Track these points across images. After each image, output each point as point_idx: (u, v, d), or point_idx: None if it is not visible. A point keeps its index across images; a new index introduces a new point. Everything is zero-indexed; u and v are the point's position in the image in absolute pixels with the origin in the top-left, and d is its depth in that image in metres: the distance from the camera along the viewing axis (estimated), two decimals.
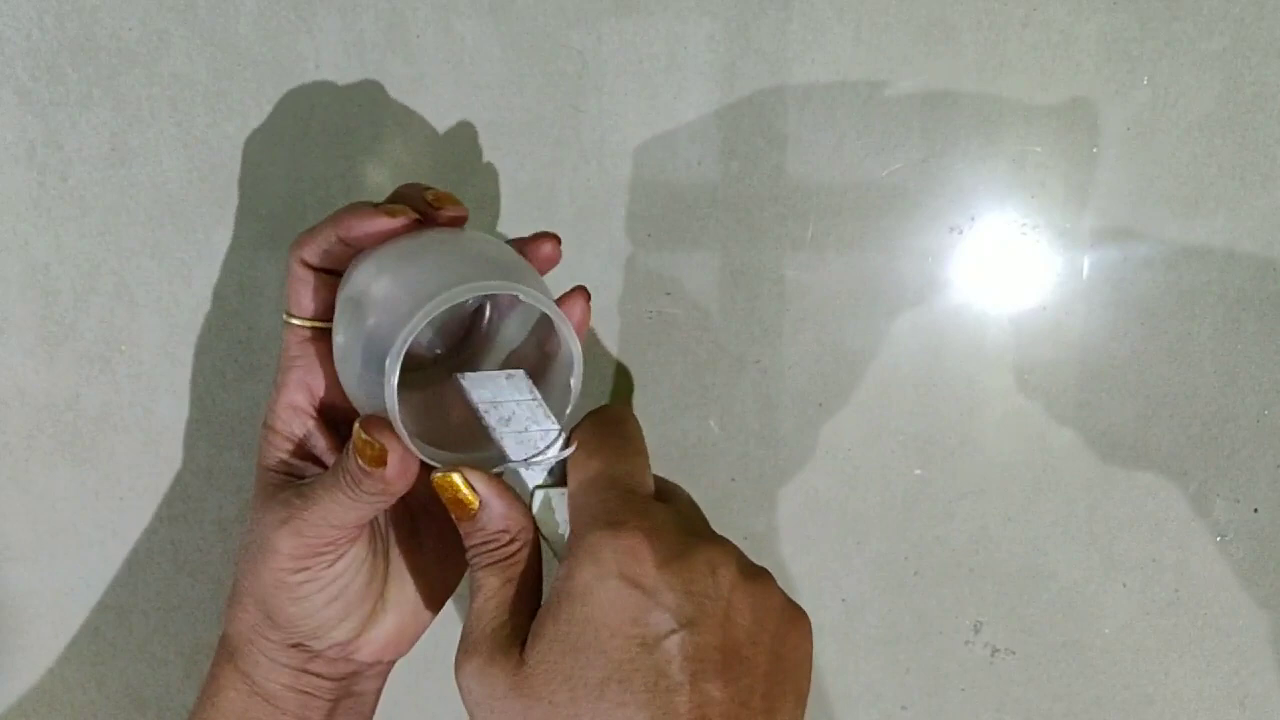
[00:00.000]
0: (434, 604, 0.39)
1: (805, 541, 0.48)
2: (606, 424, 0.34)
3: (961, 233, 0.45)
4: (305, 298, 0.36)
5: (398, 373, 0.31)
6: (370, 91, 0.44)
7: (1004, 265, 0.45)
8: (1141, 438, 0.47)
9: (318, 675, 0.37)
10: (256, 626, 0.37)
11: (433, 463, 0.33)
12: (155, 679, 0.50)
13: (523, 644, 0.30)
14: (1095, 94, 0.44)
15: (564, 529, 0.33)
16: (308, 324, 0.36)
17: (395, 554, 0.38)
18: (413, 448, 0.32)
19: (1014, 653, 0.49)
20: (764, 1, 0.43)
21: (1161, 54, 0.43)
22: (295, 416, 0.37)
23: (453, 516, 0.33)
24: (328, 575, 0.35)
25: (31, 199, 0.45)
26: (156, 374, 0.47)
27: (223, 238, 0.46)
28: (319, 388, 0.37)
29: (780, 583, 0.49)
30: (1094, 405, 0.46)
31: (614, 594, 0.28)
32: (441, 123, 0.44)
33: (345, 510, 0.34)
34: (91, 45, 0.44)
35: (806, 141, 0.44)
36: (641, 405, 0.47)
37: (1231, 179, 0.44)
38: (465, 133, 0.45)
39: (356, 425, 0.33)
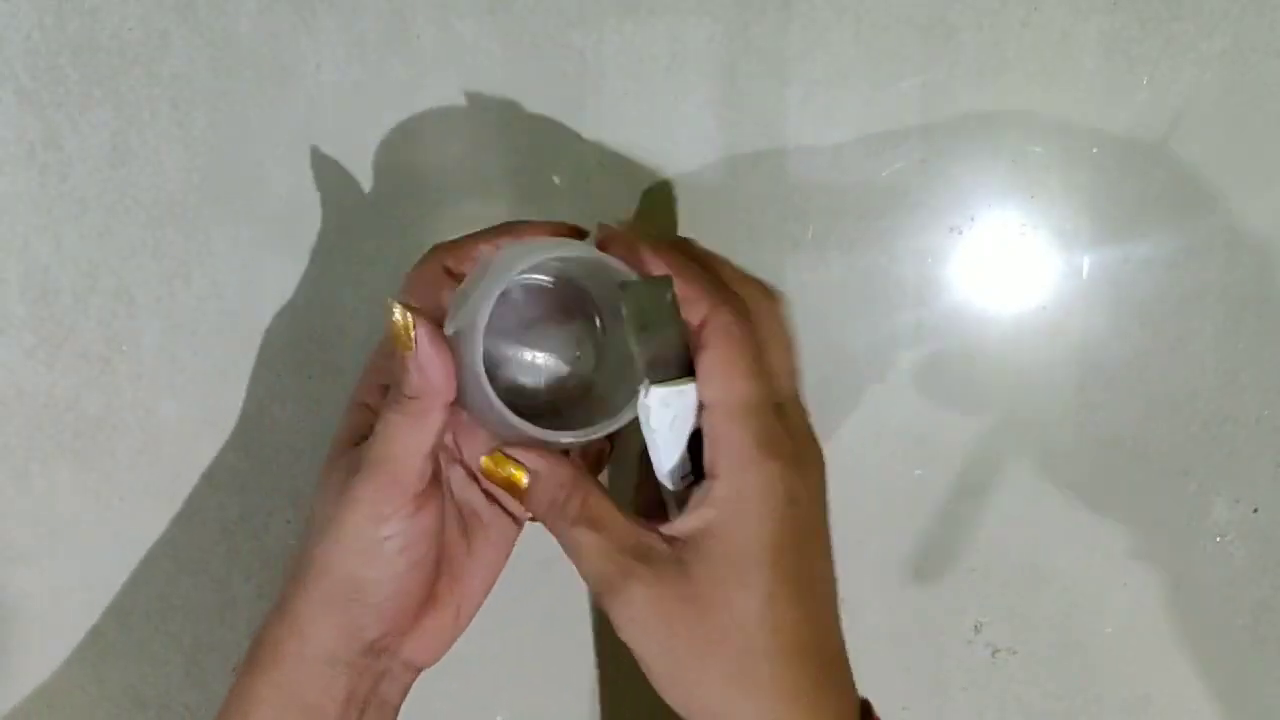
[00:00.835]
0: (470, 610, 0.40)
1: None
2: (740, 336, 0.33)
3: (961, 233, 0.45)
4: (432, 293, 0.37)
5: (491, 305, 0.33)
6: (371, 91, 0.44)
7: (1004, 265, 0.45)
8: (1141, 438, 0.47)
9: (360, 671, 0.37)
10: (316, 615, 0.35)
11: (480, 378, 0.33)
12: (156, 679, 0.50)
13: (667, 559, 0.32)
14: (1095, 94, 0.44)
15: (680, 423, 0.34)
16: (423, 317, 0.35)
17: (450, 551, 0.39)
18: (435, 338, 0.33)
19: (1014, 652, 0.49)
20: (764, 1, 0.43)
21: (1161, 54, 0.43)
22: (382, 393, 0.37)
23: (513, 497, 0.36)
24: (412, 529, 0.35)
25: (31, 199, 0.45)
26: (157, 374, 0.47)
27: (223, 238, 0.46)
28: None
29: None
30: (1094, 405, 0.46)
31: (777, 525, 0.32)
32: (442, 123, 0.44)
33: (402, 435, 0.34)
34: (92, 45, 0.44)
35: (806, 141, 0.44)
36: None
37: (1231, 179, 0.44)
38: (466, 132, 0.45)
39: (388, 301, 0.34)
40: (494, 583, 0.41)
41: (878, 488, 0.47)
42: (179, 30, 0.44)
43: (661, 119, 0.44)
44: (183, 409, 0.47)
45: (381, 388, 0.37)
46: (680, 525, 0.33)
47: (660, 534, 0.33)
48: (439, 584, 0.38)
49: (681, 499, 0.34)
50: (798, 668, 0.32)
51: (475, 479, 0.39)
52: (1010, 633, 0.48)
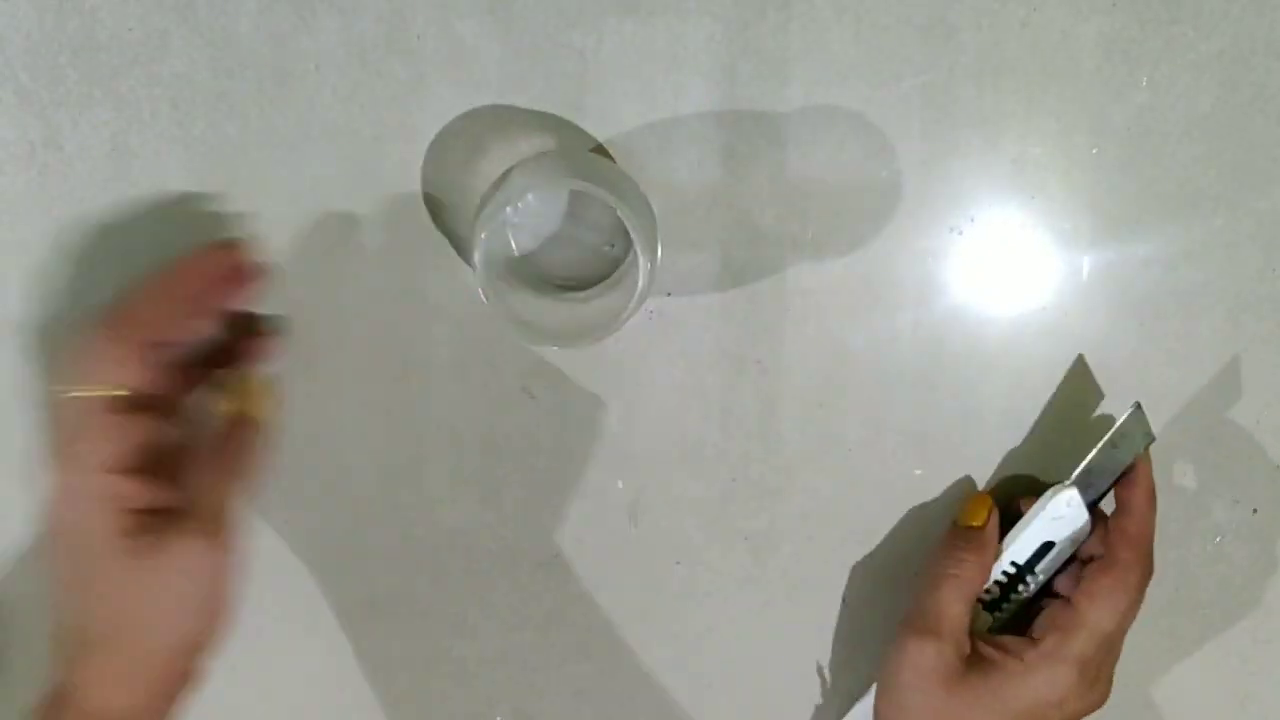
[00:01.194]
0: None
1: (805, 541, 0.48)
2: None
3: (961, 233, 0.45)
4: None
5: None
6: (371, 92, 0.44)
7: (1004, 266, 0.45)
8: None
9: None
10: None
11: None
12: None
13: (962, 651, 0.42)
14: (1095, 95, 0.44)
15: (1053, 529, 0.44)
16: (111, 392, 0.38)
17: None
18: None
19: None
20: (764, 1, 0.43)
21: (1161, 55, 0.44)
22: None
23: (958, 520, 0.45)
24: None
25: (32, 199, 0.45)
26: None
27: (223, 239, 0.46)
28: None
29: (780, 583, 0.49)
30: (1094, 405, 0.46)
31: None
32: (442, 123, 0.44)
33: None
34: (92, 45, 0.44)
35: (806, 141, 0.44)
36: (642, 405, 0.47)
37: (1231, 179, 0.44)
38: (465, 133, 0.45)
39: None
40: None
41: (878, 488, 0.47)
42: (179, 30, 0.44)
43: (661, 119, 0.44)
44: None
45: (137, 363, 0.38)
46: (996, 644, 0.43)
47: (982, 638, 0.44)
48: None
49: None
50: None
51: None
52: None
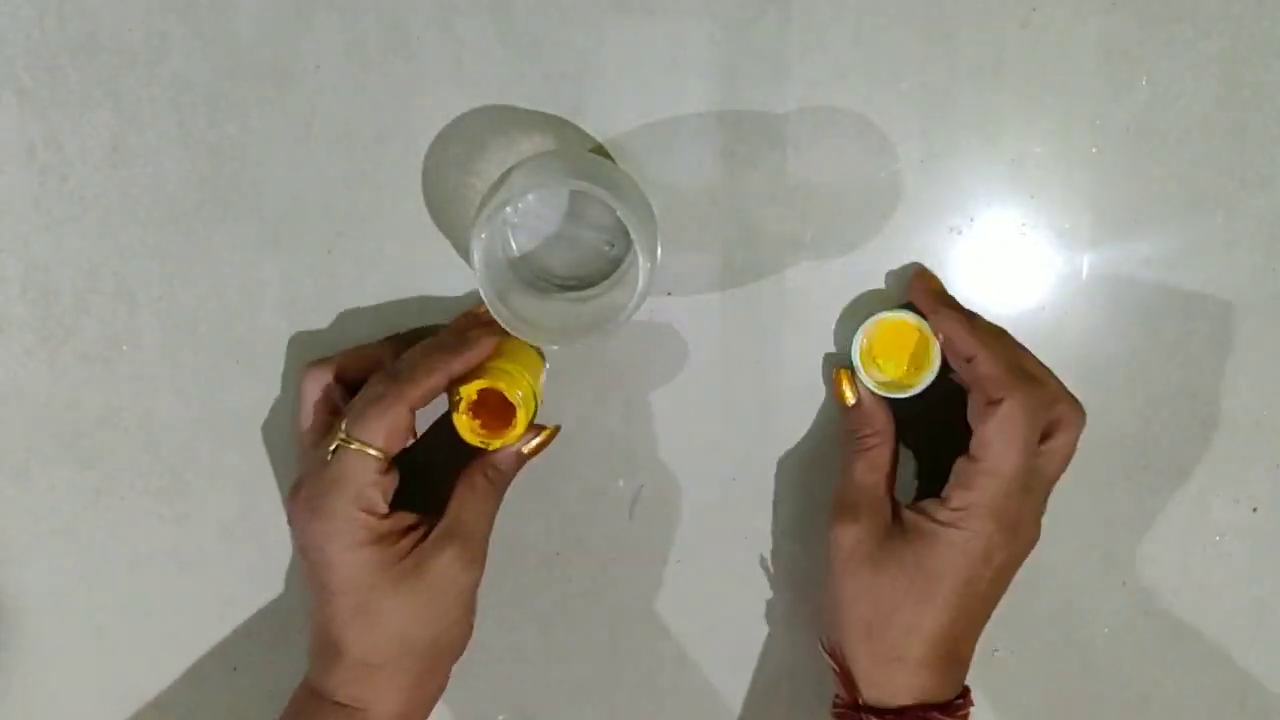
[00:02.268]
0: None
1: (805, 541, 0.48)
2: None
3: (961, 233, 0.45)
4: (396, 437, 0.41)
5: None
6: (371, 92, 0.44)
7: (1004, 266, 0.45)
8: (1141, 438, 0.47)
9: None
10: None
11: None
12: (156, 679, 0.50)
13: (883, 524, 0.42)
14: (1094, 95, 0.44)
15: None
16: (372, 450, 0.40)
17: None
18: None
19: (1014, 653, 0.49)
20: (764, 2, 0.43)
21: (1160, 55, 0.43)
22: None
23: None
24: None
25: (32, 199, 0.45)
26: (157, 374, 0.47)
27: (224, 238, 0.46)
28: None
29: (782, 582, 0.49)
30: (1094, 405, 0.46)
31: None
32: (442, 123, 0.44)
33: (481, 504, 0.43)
34: (92, 46, 0.44)
35: (806, 142, 0.44)
36: (642, 405, 0.47)
37: (1231, 179, 0.44)
38: (466, 133, 0.45)
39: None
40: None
41: None
42: (179, 31, 0.44)
43: (662, 119, 0.44)
44: (183, 409, 0.47)
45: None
46: (916, 509, 0.42)
47: (902, 504, 0.43)
48: None
49: None
50: (943, 651, 0.41)
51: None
52: (1010, 633, 0.48)
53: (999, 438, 0.39)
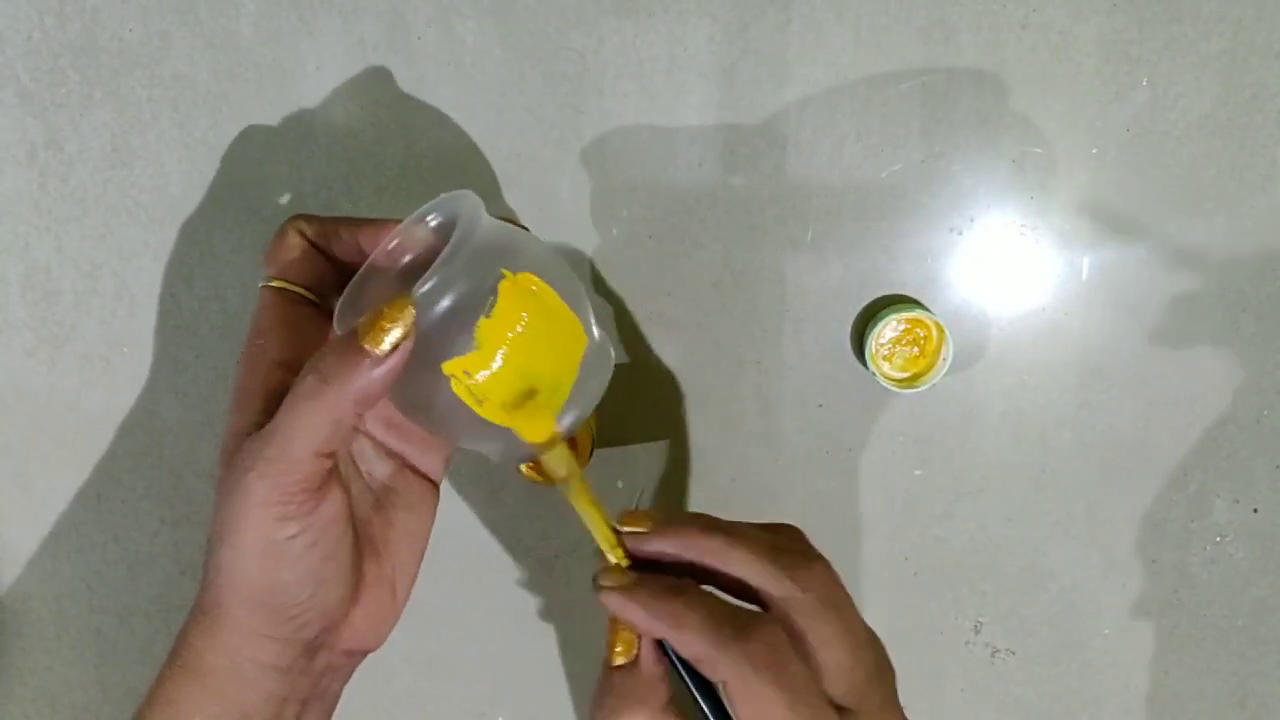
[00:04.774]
0: (406, 584, 0.38)
1: None
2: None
3: (961, 234, 0.45)
4: (301, 266, 0.36)
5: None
6: (371, 93, 0.44)
7: (1004, 266, 0.45)
8: (1141, 438, 0.47)
9: (298, 674, 0.35)
10: (243, 626, 0.33)
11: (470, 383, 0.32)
12: None
13: None
14: (1094, 95, 0.44)
15: None
16: (299, 289, 0.36)
17: (368, 530, 0.37)
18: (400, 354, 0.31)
19: (1014, 653, 0.49)
20: (764, 3, 0.43)
21: (1161, 55, 0.44)
22: (278, 372, 0.35)
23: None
24: (316, 523, 0.33)
25: (33, 200, 0.45)
26: (158, 375, 0.47)
27: (224, 239, 0.46)
28: (301, 347, 0.35)
29: None
30: (1094, 405, 0.46)
31: None
32: (443, 124, 0.45)
33: (315, 426, 0.31)
34: (92, 46, 0.44)
35: (806, 143, 0.44)
36: (642, 405, 0.47)
37: (1231, 179, 0.44)
38: (466, 134, 0.45)
39: (369, 314, 0.31)
40: (424, 549, 0.38)
41: (878, 488, 0.47)
42: (179, 32, 0.44)
43: (661, 120, 0.44)
44: (183, 409, 0.47)
45: (280, 367, 0.35)
46: None
47: None
48: (365, 565, 0.36)
49: None
50: None
51: (384, 451, 0.37)
52: (1009, 633, 0.48)
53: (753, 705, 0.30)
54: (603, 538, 0.34)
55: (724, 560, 0.33)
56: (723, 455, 0.48)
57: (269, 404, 0.34)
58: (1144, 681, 0.49)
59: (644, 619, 0.32)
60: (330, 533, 0.33)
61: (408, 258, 0.35)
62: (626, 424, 0.47)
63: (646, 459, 0.48)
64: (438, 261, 0.31)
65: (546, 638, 0.50)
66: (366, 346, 0.31)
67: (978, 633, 0.48)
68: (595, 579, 0.34)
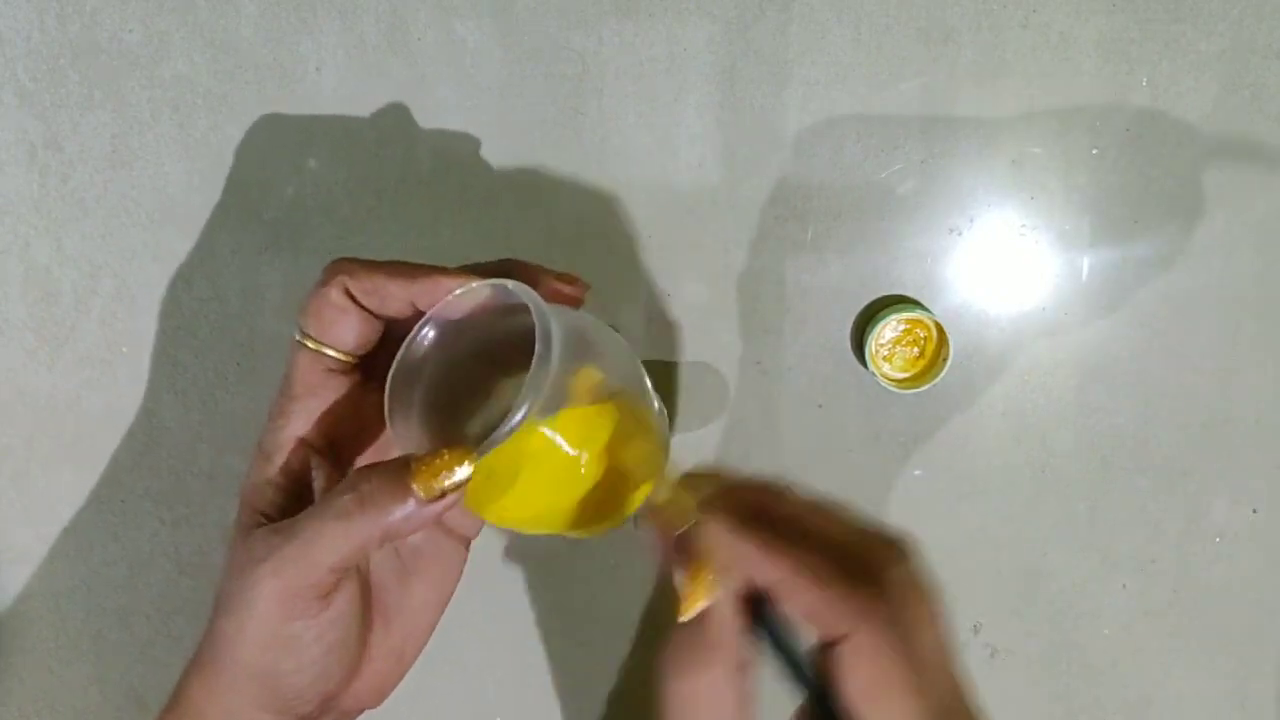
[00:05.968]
0: (413, 651, 0.36)
1: None
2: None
3: (961, 234, 0.45)
4: (344, 329, 0.33)
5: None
6: (372, 94, 0.44)
7: (1003, 266, 0.45)
8: (1141, 438, 0.47)
9: None
10: (241, 693, 0.32)
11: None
12: (157, 681, 0.50)
13: None
14: (1094, 95, 0.44)
15: None
16: (340, 355, 0.33)
17: (383, 597, 0.35)
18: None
19: (1014, 653, 0.49)
20: (764, 3, 0.43)
21: (1160, 55, 0.44)
22: (299, 449, 0.33)
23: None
24: (323, 622, 0.31)
25: (33, 201, 0.45)
26: (158, 376, 0.47)
27: (224, 240, 0.46)
28: (332, 424, 0.33)
29: None
30: (1094, 405, 0.46)
31: None
32: (443, 125, 0.45)
33: (336, 545, 0.30)
34: (92, 47, 0.44)
35: (806, 143, 0.44)
36: None
37: (1230, 180, 0.44)
38: (466, 135, 0.45)
39: (428, 453, 0.29)
40: (438, 619, 0.36)
41: (878, 488, 0.47)
42: (179, 32, 0.44)
43: (661, 120, 0.44)
44: (182, 409, 0.47)
45: (303, 445, 0.33)
46: None
47: None
48: (371, 638, 0.34)
49: None
50: None
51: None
52: (1009, 633, 0.48)
53: (870, 693, 0.28)
54: (675, 490, 0.32)
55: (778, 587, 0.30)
56: (723, 455, 0.48)
57: (288, 481, 0.33)
58: (1144, 681, 0.49)
59: (758, 558, 0.29)
60: (336, 628, 0.32)
61: (459, 315, 0.33)
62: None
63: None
64: (517, 403, 0.29)
65: (547, 638, 0.49)
66: (416, 488, 0.29)
67: (977, 633, 0.48)
68: (689, 511, 0.31)
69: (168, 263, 0.46)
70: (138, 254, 0.46)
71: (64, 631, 0.49)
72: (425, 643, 0.36)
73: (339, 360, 0.33)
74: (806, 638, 0.29)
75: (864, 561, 0.30)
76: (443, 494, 0.29)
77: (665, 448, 0.34)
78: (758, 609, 0.30)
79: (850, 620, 0.28)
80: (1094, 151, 0.44)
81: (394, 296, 0.32)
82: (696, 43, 0.43)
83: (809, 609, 0.29)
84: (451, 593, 0.36)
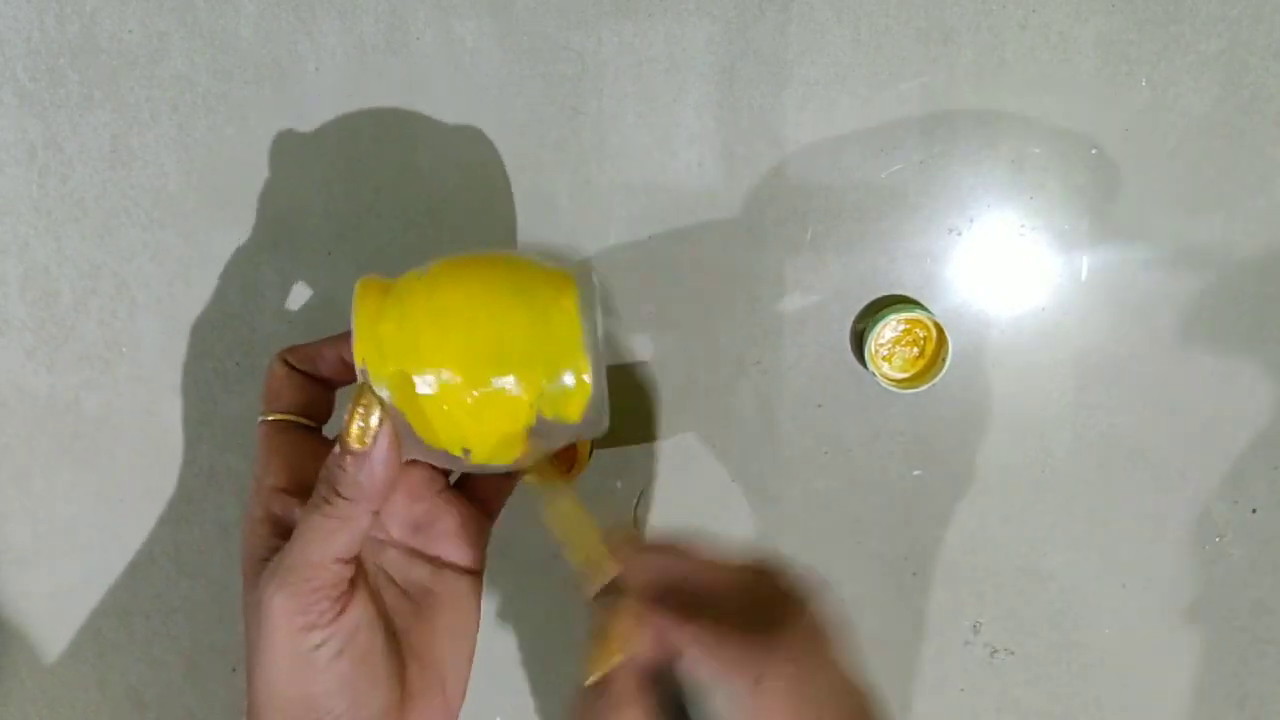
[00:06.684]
0: (458, 685, 0.37)
1: (805, 542, 0.48)
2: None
3: (961, 234, 0.45)
4: (290, 395, 0.37)
5: None
6: (371, 93, 0.44)
7: (1003, 267, 0.45)
8: (1141, 438, 0.47)
9: None
10: None
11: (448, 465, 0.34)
12: (156, 680, 0.50)
13: None
14: (1094, 96, 0.44)
15: None
16: (286, 418, 0.37)
17: (409, 638, 0.36)
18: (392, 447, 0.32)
19: (1013, 653, 0.49)
20: (763, 3, 0.43)
21: (1160, 56, 0.43)
22: (279, 499, 0.35)
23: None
24: (340, 631, 0.33)
25: (32, 201, 0.45)
26: (157, 376, 0.47)
27: (223, 240, 0.46)
28: (303, 473, 0.36)
29: None
30: (1094, 405, 0.46)
31: None
32: (442, 125, 0.45)
33: (322, 539, 0.32)
34: (92, 47, 0.44)
35: (806, 143, 0.44)
36: (641, 406, 0.47)
37: (1230, 180, 0.44)
38: (466, 134, 0.45)
39: (350, 404, 0.32)
40: (473, 645, 0.37)
41: (878, 488, 0.47)
42: (178, 32, 0.44)
43: (660, 120, 0.44)
44: (183, 409, 0.47)
45: (281, 493, 0.35)
46: None
47: None
48: (408, 674, 0.35)
49: None
50: None
51: (416, 556, 0.37)
52: (1009, 633, 0.48)
53: None
54: (593, 550, 0.34)
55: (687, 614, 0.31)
56: (723, 455, 0.48)
57: (277, 529, 0.35)
58: (1144, 681, 0.49)
59: (661, 628, 0.31)
60: (358, 640, 0.33)
61: None
62: (625, 425, 0.47)
63: (645, 460, 0.48)
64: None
65: (546, 637, 0.50)
66: (353, 445, 0.32)
67: (977, 633, 0.48)
68: (593, 592, 0.34)
69: (167, 262, 0.46)
70: (137, 253, 0.46)
71: (64, 631, 0.49)
72: (466, 678, 0.38)
73: (293, 422, 0.37)
74: (714, 697, 0.30)
75: (766, 611, 0.32)
76: (375, 434, 0.32)
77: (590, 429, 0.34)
78: (659, 674, 0.31)
79: (753, 672, 0.30)
80: (1094, 151, 0.44)
81: (324, 356, 0.37)
82: (696, 43, 0.43)
83: (712, 671, 0.30)
84: (475, 625, 0.38)
